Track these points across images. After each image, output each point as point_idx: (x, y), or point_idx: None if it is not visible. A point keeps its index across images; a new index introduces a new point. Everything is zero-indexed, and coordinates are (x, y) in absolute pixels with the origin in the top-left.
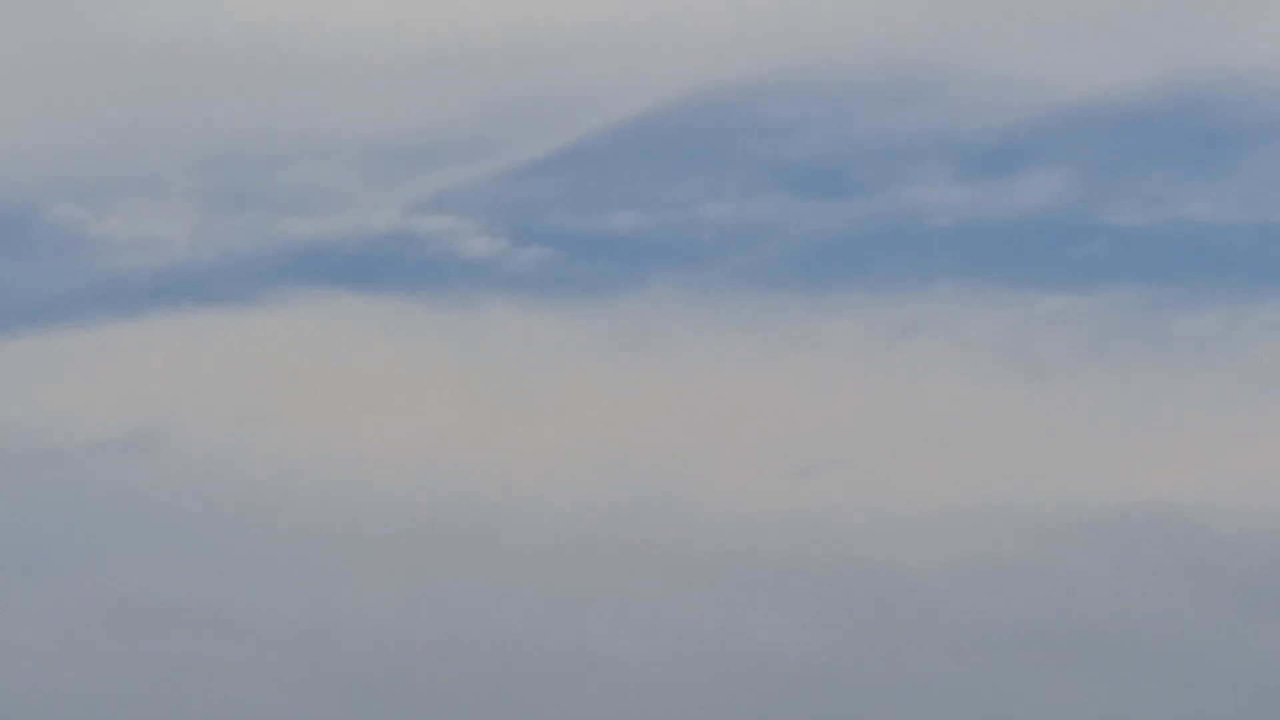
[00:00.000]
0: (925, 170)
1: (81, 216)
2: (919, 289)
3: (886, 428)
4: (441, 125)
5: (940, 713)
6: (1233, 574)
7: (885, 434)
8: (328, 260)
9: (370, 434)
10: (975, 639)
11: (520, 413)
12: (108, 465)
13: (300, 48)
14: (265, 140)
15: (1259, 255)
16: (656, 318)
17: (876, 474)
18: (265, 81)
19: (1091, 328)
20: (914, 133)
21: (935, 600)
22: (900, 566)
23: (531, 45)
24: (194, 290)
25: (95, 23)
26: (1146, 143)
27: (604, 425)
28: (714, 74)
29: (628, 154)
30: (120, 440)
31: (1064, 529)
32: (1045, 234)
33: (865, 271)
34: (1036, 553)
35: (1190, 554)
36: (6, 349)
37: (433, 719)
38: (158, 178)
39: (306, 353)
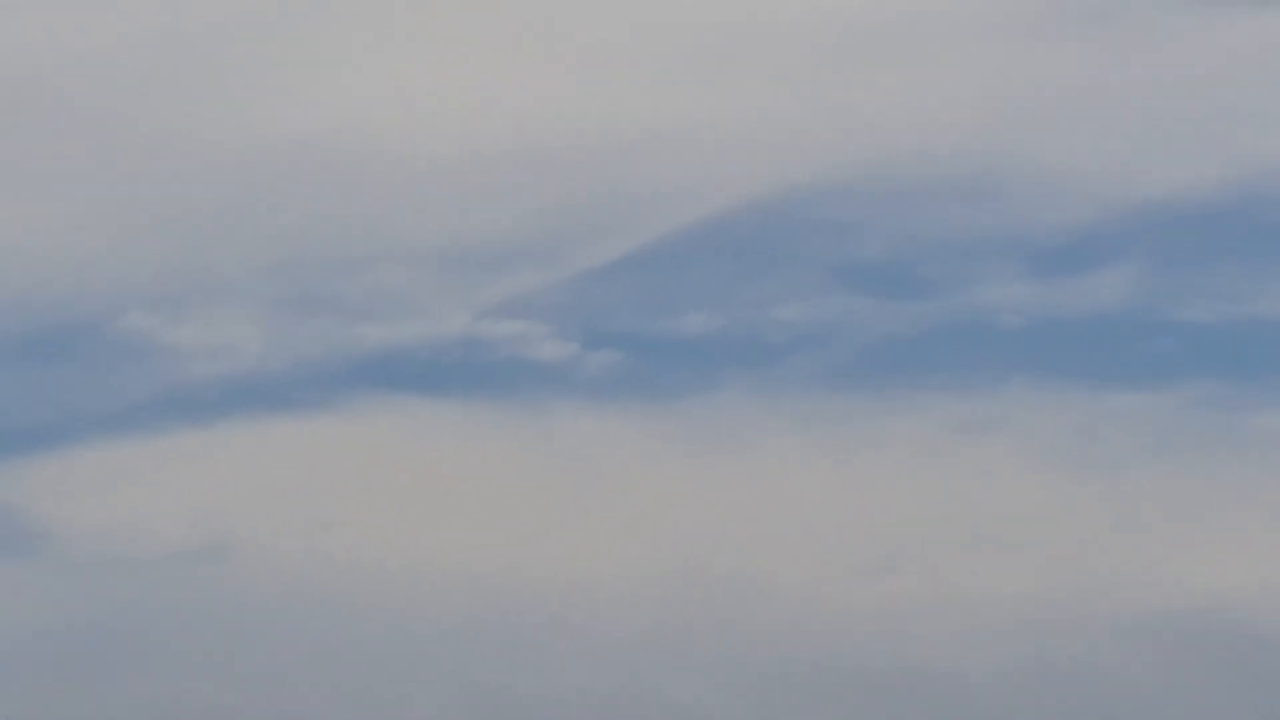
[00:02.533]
0: (994, 268)
1: (152, 325)
2: (988, 387)
3: (953, 527)
4: (511, 229)
5: None
6: None
7: (951, 533)
8: (399, 366)
9: (441, 540)
10: None
11: (589, 515)
12: (179, 574)
13: (368, 153)
14: (335, 246)
15: None
16: (727, 419)
17: (940, 573)
18: (334, 187)
19: (1161, 425)
20: (982, 231)
21: (986, 702)
22: (954, 667)
23: (599, 149)
24: (265, 397)
25: (164, 130)
26: (1216, 239)
27: (671, 526)
28: (781, 175)
29: (696, 256)
30: (192, 549)
31: (1123, 630)
32: (1115, 331)
33: (934, 370)
34: (1093, 653)
35: (1247, 656)
36: (79, 458)
37: None
38: (228, 285)
39: (378, 459)
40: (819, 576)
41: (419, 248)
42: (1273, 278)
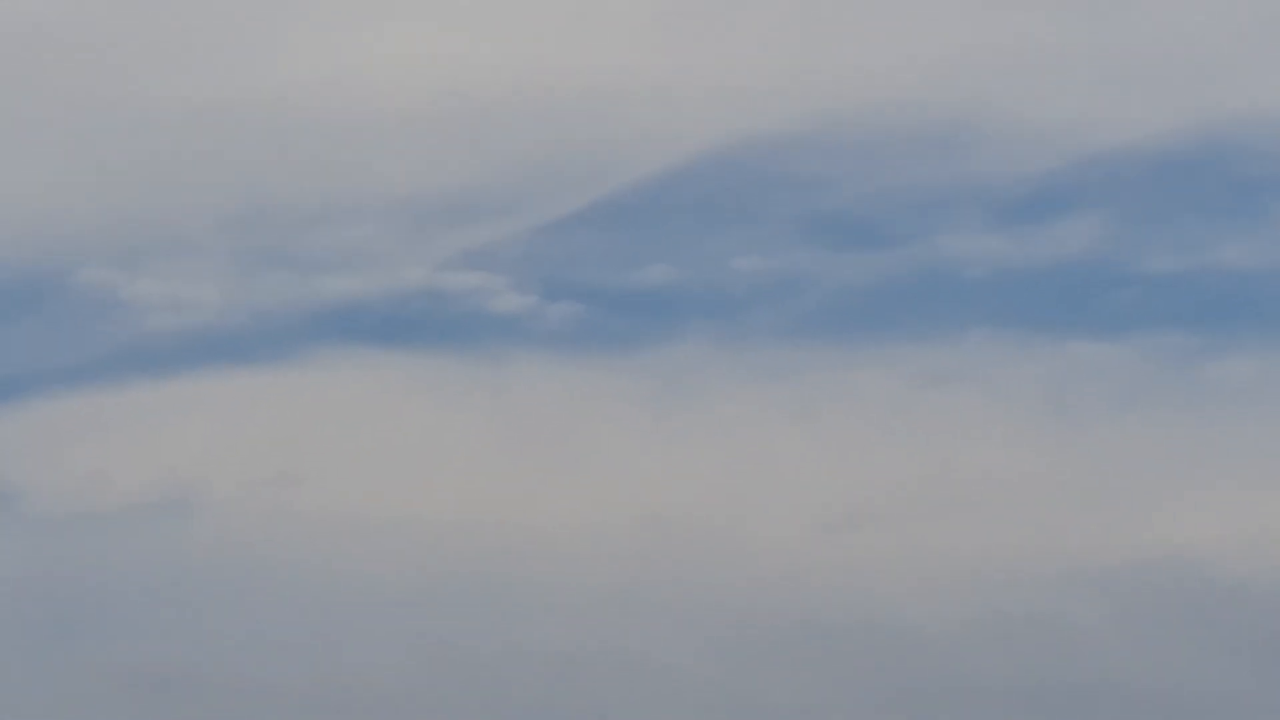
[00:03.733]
0: (957, 220)
1: (113, 279)
2: (952, 338)
3: (918, 480)
4: (471, 182)
5: None
6: (1254, 625)
7: (916, 486)
8: (358, 318)
9: (402, 492)
10: (986, 695)
11: (551, 468)
12: (140, 528)
13: (328, 107)
14: (295, 200)
15: None
16: (688, 372)
17: (905, 527)
18: (294, 141)
19: (1125, 375)
20: (945, 182)
21: (951, 656)
22: (918, 621)
23: (561, 101)
24: (225, 350)
25: (124, 85)
26: (1179, 189)
27: (634, 480)
28: (744, 127)
29: (658, 208)
30: (153, 502)
31: (1085, 581)
32: (1078, 282)
33: (898, 322)
34: (1057, 606)
35: (1210, 606)
36: (39, 411)
37: None
38: (188, 239)
39: (338, 411)
40: (782, 530)
41: (379, 200)
42: (1235, 228)
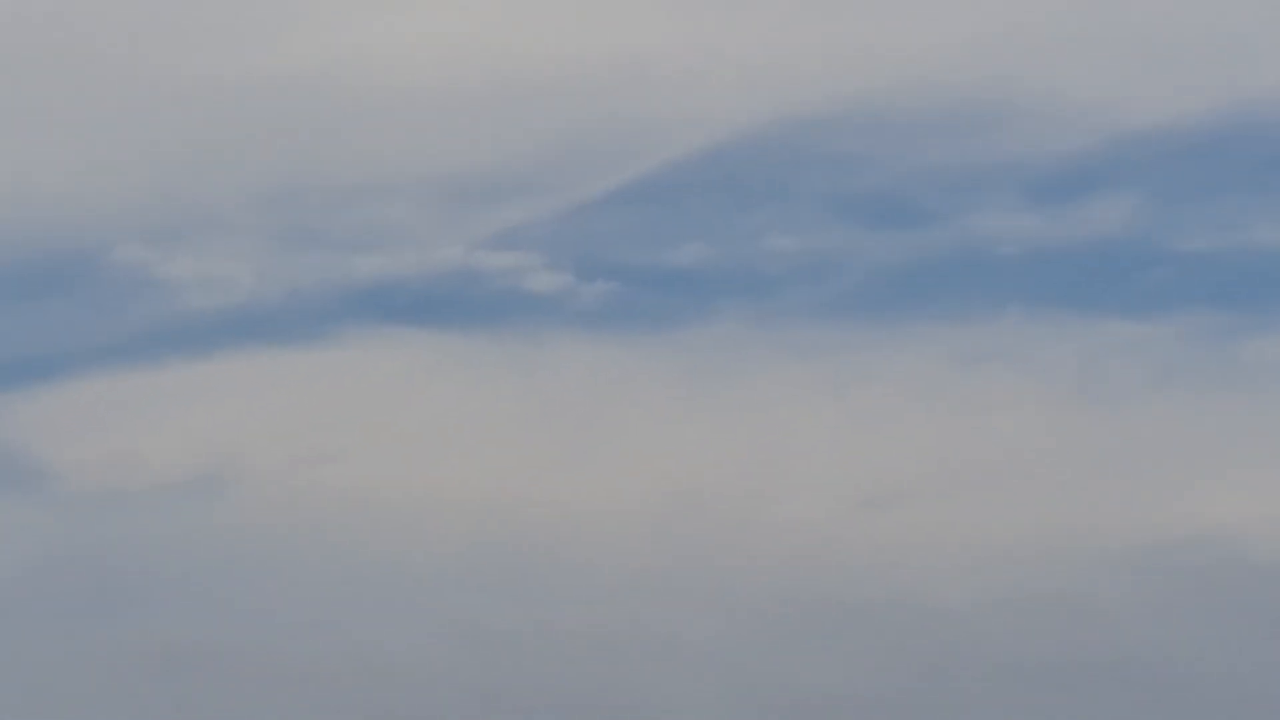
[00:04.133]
0: (992, 198)
1: (148, 258)
2: (986, 317)
3: (950, 459)
4: (506, 161)
5: None
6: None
7: (949, 465)
8: (393, 297)
9: (435, 471)
10: (1017, 674)
11: (584, 447)
12: (175, 506)
13: (363, 86)
14: (330, 179)
15: None
16: (723, 350)
17: (938, 506)
18: (329, 120)
19: (1158, 354)
20: (980, 161)
21: (980, 635)
22: (950, 602)
23: (595, 80)
24: (260, 329)
25: (158, 65)
26: (1214, 168)
27: (667, 459)
28: (777, 106)
29: (693, 187)
30: (187, 481)
31: (1117, 561)
32: (1113, 260)
33: (932, 301)
34: (1089, 585)
35: (1244, 585)
36: (73, 390)
37: None
38: (223, 218)
39: (372, 390)
40: (814, 509)
41: (413, 180)
42: (1270, 206)
